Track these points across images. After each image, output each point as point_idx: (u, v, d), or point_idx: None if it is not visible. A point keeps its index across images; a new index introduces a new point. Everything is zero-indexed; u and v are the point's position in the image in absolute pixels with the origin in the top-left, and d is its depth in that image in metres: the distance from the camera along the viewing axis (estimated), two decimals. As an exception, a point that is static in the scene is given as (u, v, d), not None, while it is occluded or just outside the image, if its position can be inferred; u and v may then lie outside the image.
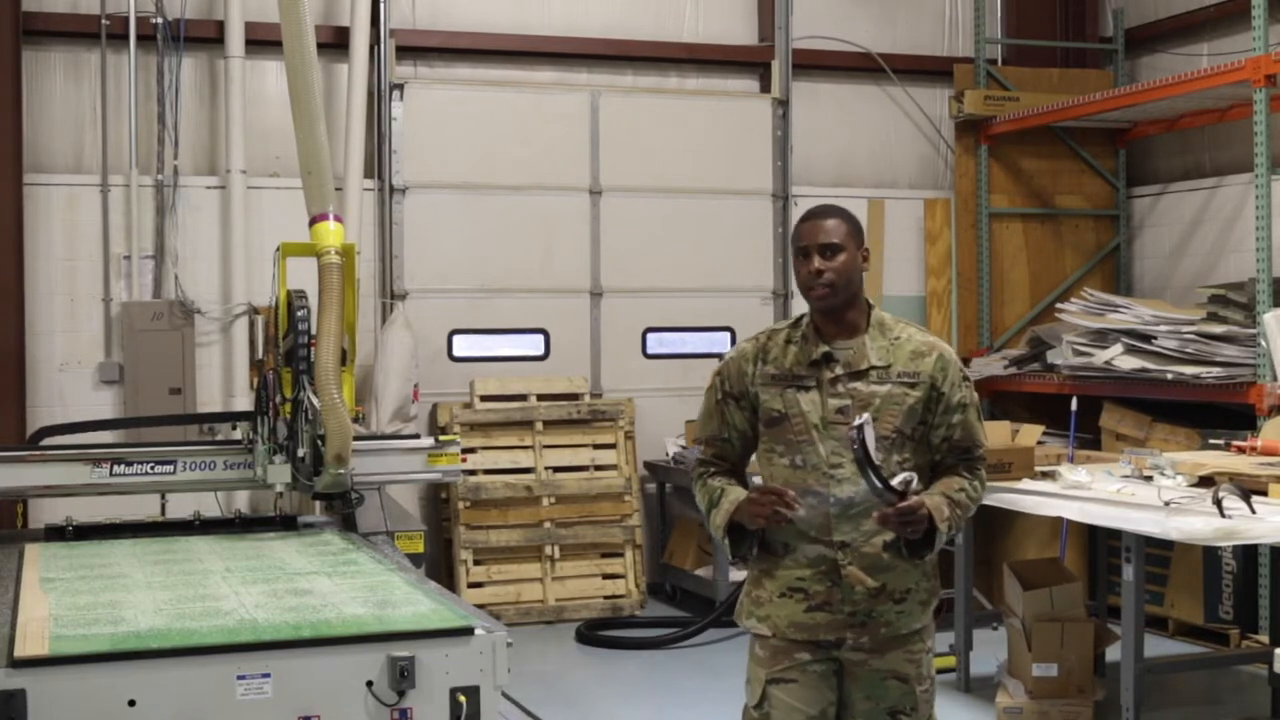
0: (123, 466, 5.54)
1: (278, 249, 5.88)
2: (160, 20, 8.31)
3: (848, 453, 3.49)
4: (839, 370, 3.58)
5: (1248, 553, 7.37)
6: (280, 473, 5.43)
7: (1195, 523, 5.29)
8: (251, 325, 8.39)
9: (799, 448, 3.57)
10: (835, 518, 3.53)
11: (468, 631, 3.61)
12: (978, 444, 3.66)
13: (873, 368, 3.58)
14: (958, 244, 9.71)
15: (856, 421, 3.37)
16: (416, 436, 6.50)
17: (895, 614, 3.59)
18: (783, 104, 9.46)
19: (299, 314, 5.41)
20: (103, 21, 8.26)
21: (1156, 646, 7.29)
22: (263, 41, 8.27)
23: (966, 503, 3.60)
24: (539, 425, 8.71)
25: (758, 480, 3.68)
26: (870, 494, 3.40)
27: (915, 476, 3.43)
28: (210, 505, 6.84)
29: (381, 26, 8.73)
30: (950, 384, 3.61)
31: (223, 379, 8.43)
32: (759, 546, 3.65)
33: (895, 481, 3.38)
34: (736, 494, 3.61)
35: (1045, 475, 6.52)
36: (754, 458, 3.77)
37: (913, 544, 3.53)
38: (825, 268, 3.55)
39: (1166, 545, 7.42)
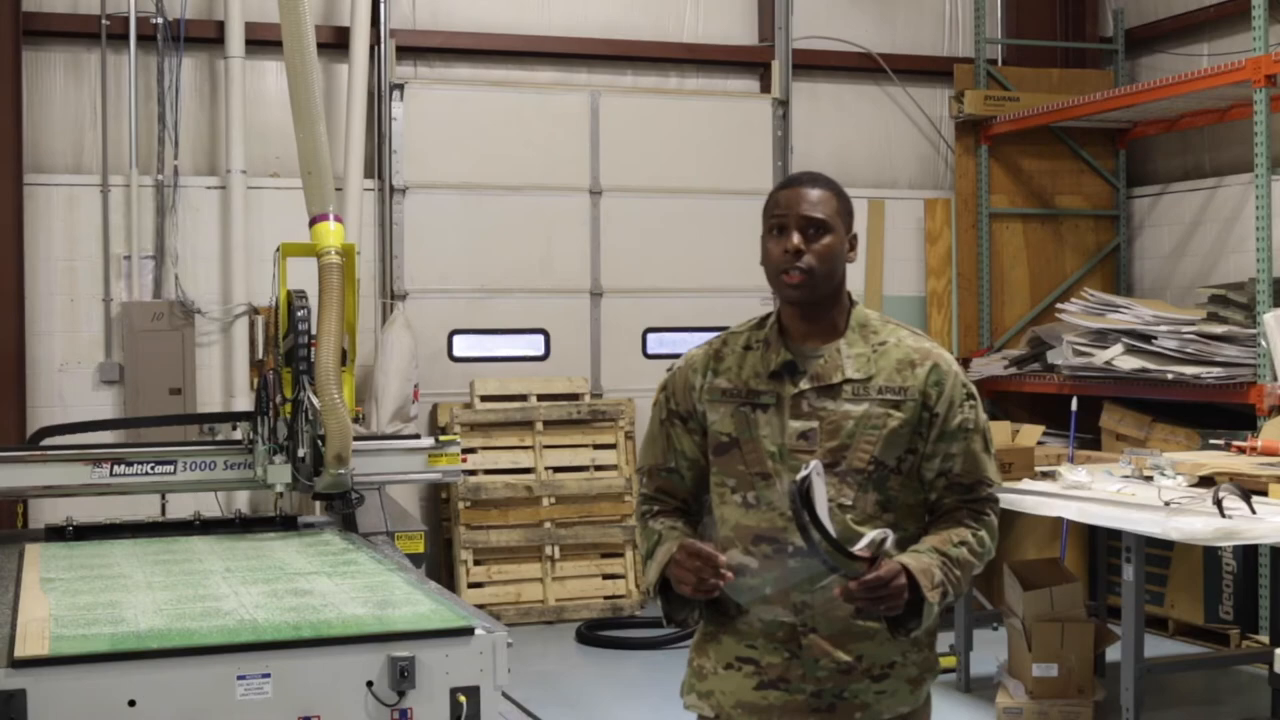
0: (123, 467, 5.54)
1: (278, 249, 5.89)
2: (160, 20, 8.31)
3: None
4: (805, 384, 2.82)
5: (1248, 553, 7.37)
6: (280, 473, 5.43)
7: (1195, 523, 5.29)
8: (252, 325, 8.40)
9: (752, 483, 2.83)
10: (794, 573, 2.78)
11: (468, 631, 3.61)
12: (985, 481, 2.87)
13: (847, 381, 2.82)
14: (958, 244, 9.71)
15: (802, 472, 2.58)
16: (416, 436, 6.50)
17: (874, 695, 2.83)
18: (783, 104, 9.47)
19: (299, 314, 5.42)
20: (103, 21, 8.26)
21: (1156, 647, 7.29)
22: (263, 41, 8.27)
23: (969, 559, 2.81)
24: (539, 425, 8.71)
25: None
26: (820, 564, 2.62)
27: (889, 535, 2.68)
28: (210, 505, 6.85)
29: (381, 27, 8.73)
30: (947, 403, 2.83)
31: (223, 379, 8.43)
32: (705, 605, 2.90)
33: (860, 546, 2.63)
34: (674, 546, 2.83)
35: (1045, 475, 6.52)
36: None
37: (896, 618, 2.75)
38: (806, 248, 2.82)
39: (1166, 545, 7.42)
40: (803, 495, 2.56)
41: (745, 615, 2.86)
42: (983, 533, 2.86)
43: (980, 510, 2.88)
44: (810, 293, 2.84)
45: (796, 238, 2.82)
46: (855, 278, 9.64)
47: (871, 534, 2.67)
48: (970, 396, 2.87)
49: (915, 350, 2.87)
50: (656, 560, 2.88)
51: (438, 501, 8.81)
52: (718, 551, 2.74)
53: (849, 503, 2.78)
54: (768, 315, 2.98)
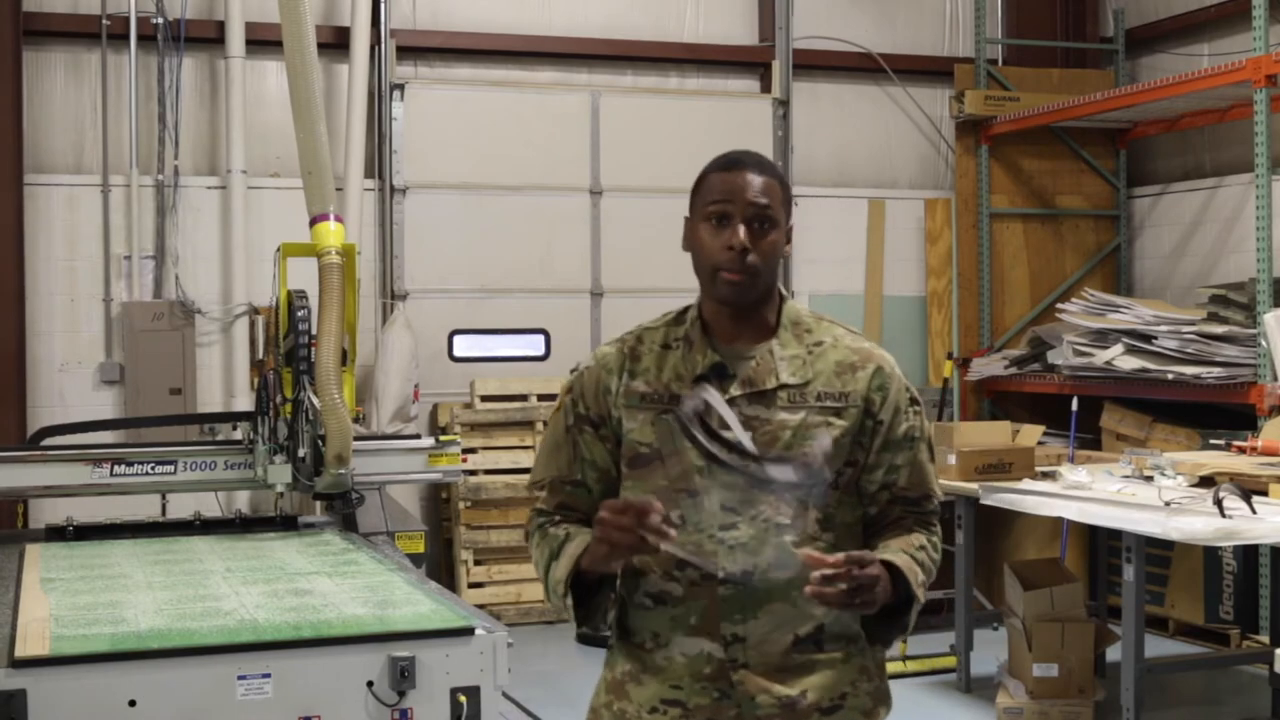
0: (123, 467, 5.55)
1: (278, 249, 5.90)
2: (160, 20, 8.31)
3: (744, 509, 2.46)
4: (735, 389, 2.52)
5: (1248, 553, 7.37)
6: (280, 473, 5.43)
7: (1196, 523, 5.29)
8: (252, 325, 8.40)
9: (675, 500, 2.47)
10: (725, 601, 2.46)
11: (468, 631, 3.61)
12: (930, 494, 2.63)
13: (783, 386, 2.52)
14: (958, 244, 9.71)
15: (687, 403, 2.42)
16: (417, 436, 6.50)
17: None
18: (783, 104, 9.46)
19: (299, 314, 5.42)
20: (103, 22, 8.26)
21: (1157, 647, 7.29)
22: (263, 42, 8.27)
23: (929, 564, 2.57)
24: (539, 425, 8.71)
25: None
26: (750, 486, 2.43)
27: (828, 440, 2.48)
28: (210, 505, 6.85)
29: (382, 27, 8.73)
30: (892, 409, 2.56)
31: (223, 379, 8.43)
32: (618, 631, 2.61)
33: (806, 451, 2.44)
34: (586, 538, 2.50)
35: (1046, 475, 6.53)
36: None
37: (876, 622, 2.52)
38: (752, 245, 2.49)
39: (1167, 545, 7.42)
40: (697, 410, 2.39)
41: (665, 649, 2.52)
42: (935, 539, 2.62)
43: (928, 522, 2.62)
44: (749, 293, 2.53)
45: (743, 233, 2.49)
46: (855, 277, 9.74)
47: (817, 442, 2.45)
48: (914, 402, 2.62)
49: (855, 352, 2.58)
50: (568, 553, 2.53)
51: (438, 501, 8.82)
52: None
53: (786, 522, 2.46)
54: (685, 309, 2.65)
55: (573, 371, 2.74)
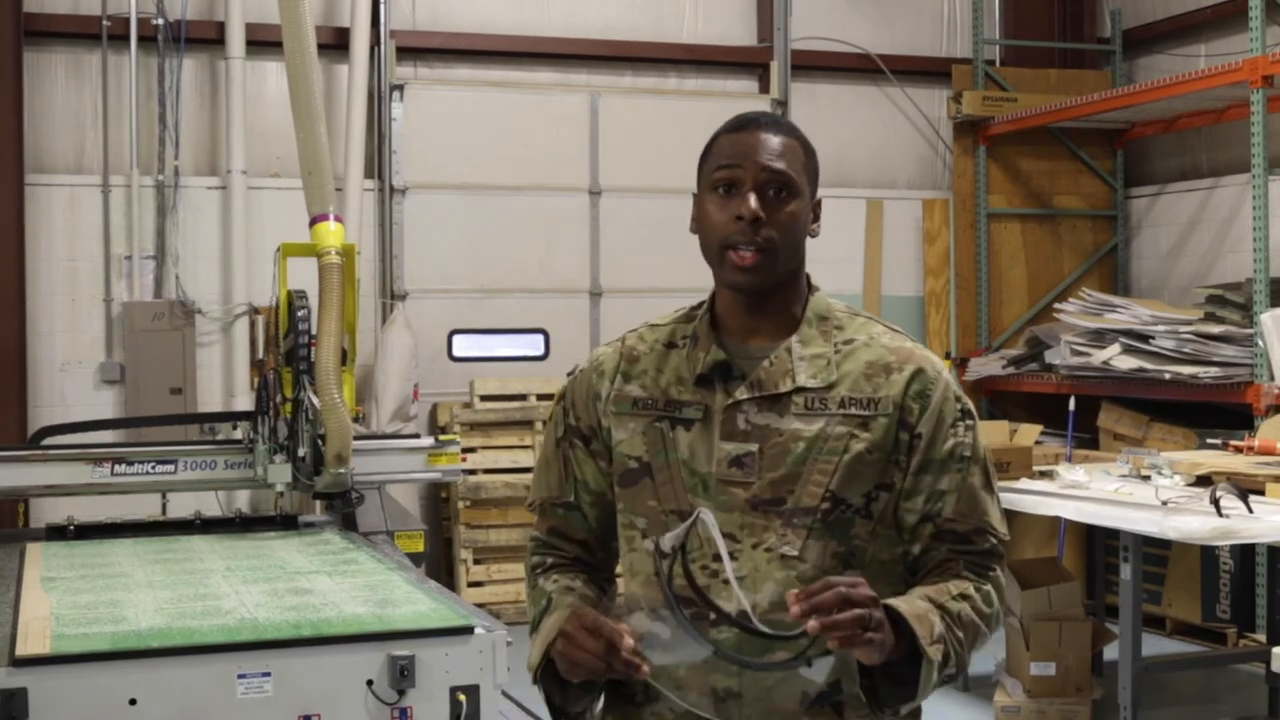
0: (124, 466, 5.55)
1: (278, 249, 5.91)
2: (161, 21, 8.32)
3: (744, 536, 2.09)
4: (742, 392, 2.12)
5: (1245, 552, 7.39)
6: (280, 472, 5.44)
7: (1193, 522, 5.30)
8: (252, 325, 8.41)
9: (667, 524, 2.10)
10: (721, 641, 2.01)
11: (468, 630, 3.62)
12: (987, 529, 2.15)
13: (799, 390, 2.11)
14: (956, 244, 9.73)
15: (672, 532, 2.01)
16: (416, 436, 6.51)
17: None
18: (782, 104, 9.48)
19: (299, 314, 5.43)
20: (104, 22, 8.27)
21: (1154, 645, 7.30)
22: (263, 42, 8.28)
23: (973, 620, 2.08)
24: (538, 425, 8.72)
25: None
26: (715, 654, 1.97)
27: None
28: (211, 505, 6.87)
29: (382, 27, 8.75)
30: (933, 421, 2.12)
31: (223, 379, 8.45)
32: (605, 688, 2.16)
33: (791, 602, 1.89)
34: (563, 617, 2.11)
35: (1043, 475, 6.54)
36: None
37: (879, 685, 2.01)
38: (767, 216, 2.09)
39: (1164, 545, 7.43)
40: (670, 553, 1.97)
41: (654, 704, 2.13)
42: (989, 588, 2.12)
43: (986, 565, 2.14)
44: (766, 277, 2.11)
45: (754, 200, 2.09)
46: (854, 277, 9.75)
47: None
48: (966, 414, 2.16)
49: (892, 351, 2.15)
50: (541, 635, 2.14)
51: (438, 501, 8.83)
52: (620, 623, 1.99)
53: (794, 553, 2.07)
54: (700, 303, 2.26)
55: (569, 375, 2.36)
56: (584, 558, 2.30)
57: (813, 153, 2.21)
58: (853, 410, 2.11)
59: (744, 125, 2.16)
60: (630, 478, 2.19)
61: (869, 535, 2.12)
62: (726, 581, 2.01)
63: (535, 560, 2.32)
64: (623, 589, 2.21)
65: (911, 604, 2.01)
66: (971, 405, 2.20)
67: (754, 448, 2.10)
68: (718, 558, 2.03)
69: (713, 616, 2.02)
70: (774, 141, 2.13)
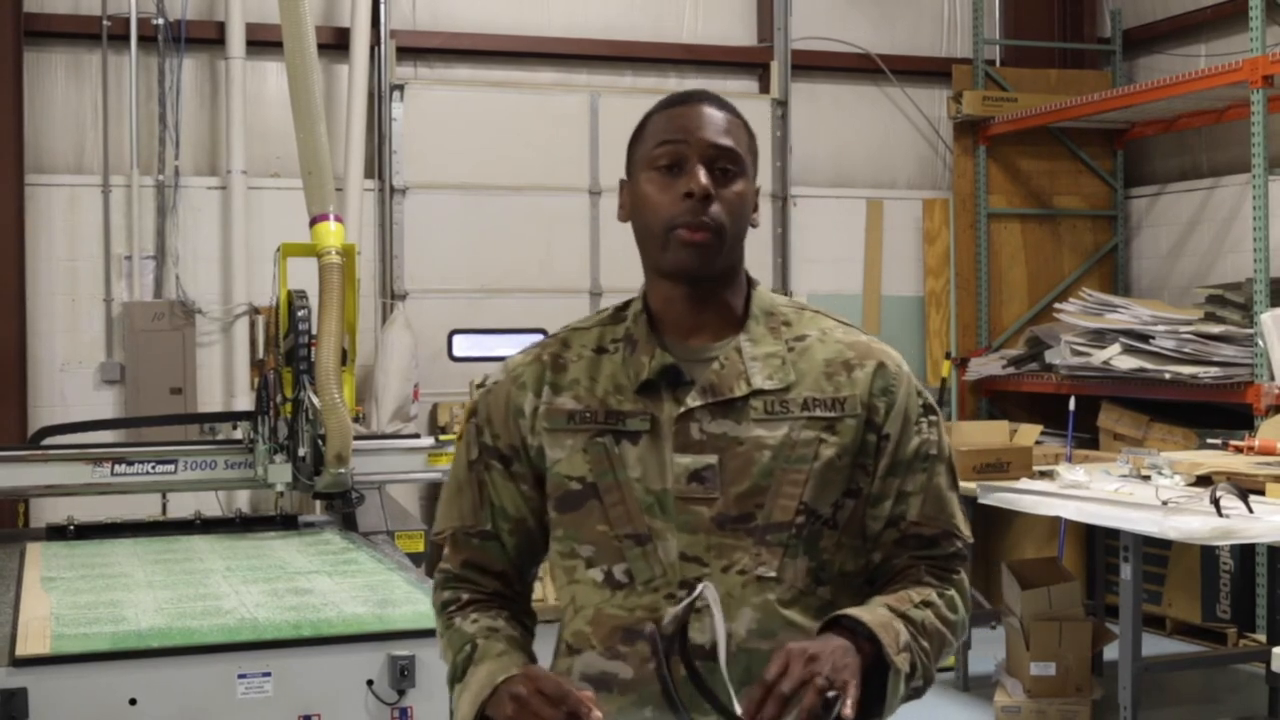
0: (124, 466, 5.56)
1: (278, 249, 5.91)
2: (161, 21, 8.32)
3: (712, 558, 1.90)
4: (694, 399, 1.94)
5: (1245, 552, 7.39)
6: (281, 472, 5.45)
7: (1193, 522, 5.30)
8: (252, 325, 8.41)
9: (620, 551, 1.94)
10: (690, 681, 1.83)
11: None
12: (951, 531, 2.01)
13: (757, 393, 1.95)
14: (956, 244, 9.73)
15: (671, 611, 1.79)
16: (416, 436, 6.52)
17: None
18: (782, 104, 9.48)
19: (299, 314, 5.44)
20: (104, 22, 8.27)
21: (1154, 645, 7.30)
22: (263, 42, 8.28)
23: (938, 628, 1.94)
24: (539, 425, 8.72)
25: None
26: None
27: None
28: (211, 505, 6.87)
29: (382, 27, 8.75)
30: (900, 419, 1.98)
31: (223, 379, 8.45)
32: None
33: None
34: (496, 668, 1.92)
35: (1043, 475, 6.54)
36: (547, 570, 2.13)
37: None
38: (714, 193, 1.93)
39: (1164, 544, 7.43)
40: (671, 635, 1.74)
41: None
42: (952, 593, 1.99)
43: (948, 569, 2.01)
44: (714, 260, 1.94)
45: (704, 175, 1.92)
46: (854, 277, 9.76)
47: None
48: (929, 410, 2.02)
49: (849, 347, 2.00)
50: (471, 690, 1.91)
51: (437, 501, 8.82)
52: (572, 682, 1.84)
53: (771, 574, 1.91)
54: (627, 303, 2.07)
55: (479, 387, 2.12)
56: (503, 592, 2.10)
57: (754, 135, 2.06)
58: (817, 412, 1.95)
59: (684, 100, 2.03)
60: (572, 501, 1.98)
61: (835, 547, 1.97)
62: (698, 611, 1.83)
63: (447, 596, 2.09)
64: (567, 616, 2.03)
65: (874, 613, 1.89)
66: (932, 399, 2.06)
67: (713, 460, 1.92)
68: (686, 584, 1.88)
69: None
70: (719, 117, 2.00)
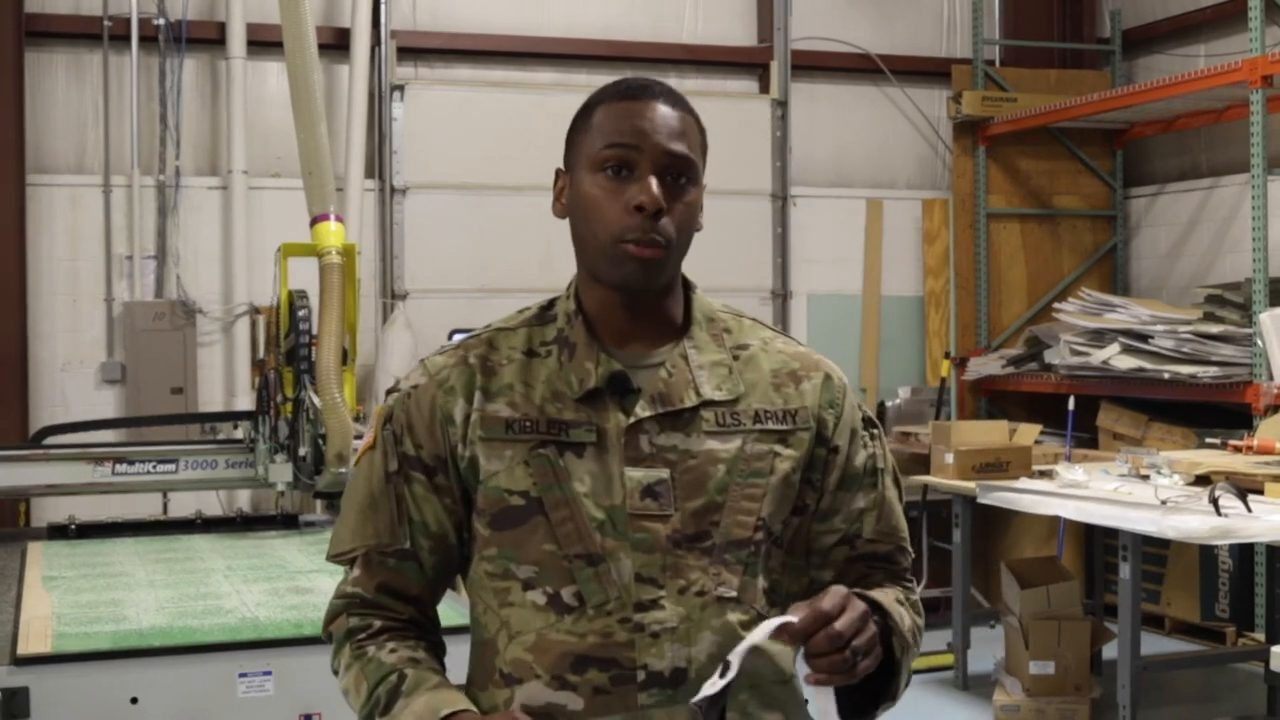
0: (125, 465, 5.57)
1: (279, 249, 5.92)
2: (162, 21, 8.33)
3: (668, 579, 1.78)
4: (642, 409, 1.83)
5: (1244, 551, 7.41)
6: (281, 472, 5.46)
7: (1192, 521, 5.32)
8: (253, 325, 8.42)
9: (569, 571, 1.79)
10: (650, 710, 1.76)
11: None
12: (904, 545, 1.97)
13: (707, 404, 1.85)
14: (955, 244, 9.73)
15: (711, 686, 1.65)
16: (417, 436, 6.51)
17: None
18: (781, 105, 9.49)
19: (300, 314, 5.45)
20: (105, 23, 8.28)
21: (1153, 644, 7.32)
22: (264, 43, 8.29)
23: (915, 625, 1.93)
24: (539, 425, 8.72)
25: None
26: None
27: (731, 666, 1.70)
28: (212, 504, 6.89)
29: (382, 28, 8.75)
30: (848, 432, 1.92)
31: (224, 378, 8.46)
32: None
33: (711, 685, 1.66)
34: (436, 701, 1.76)
35: (1042, 474, 6.56)
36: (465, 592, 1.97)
37: (851, 699, 1.76)
38: (665, 206, 1.80)
39: (1163, 544, 7.45)
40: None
41: None
42: (916, 598, 1.96)
43: (902, 580, 1.96)
44: (660, 274, 1.84)
45: (655, 187, 1.79)
46: (853, 277, 9.77)
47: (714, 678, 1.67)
48: (870, 423, 1.95)
49: (794, 358, 1.92)
50: None
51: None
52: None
53: (733, 595, 1.80)
54: (550, 303, 1.99)
55: (390, 392, 1.93)
56: (417, 619, 1.92)
57: (705, 130, 1.91)
58: (770, 425, 1.85)
59: (636, 94, 1.85)
60: (513, 517, 1.81)
61: (781, 567, 1.87)
62: (656, 635, 1.76)
63: (355, 623, 1.89)
64: (499, 644, 1.86)
65: (885, 596, 1.86)
66: (871, 413, 1.99)
67: (665, 474, 1.80)
68: (641, 606, 1.77)
69: (641, 676, 1.76)
70: (673, 118, 1.83)
